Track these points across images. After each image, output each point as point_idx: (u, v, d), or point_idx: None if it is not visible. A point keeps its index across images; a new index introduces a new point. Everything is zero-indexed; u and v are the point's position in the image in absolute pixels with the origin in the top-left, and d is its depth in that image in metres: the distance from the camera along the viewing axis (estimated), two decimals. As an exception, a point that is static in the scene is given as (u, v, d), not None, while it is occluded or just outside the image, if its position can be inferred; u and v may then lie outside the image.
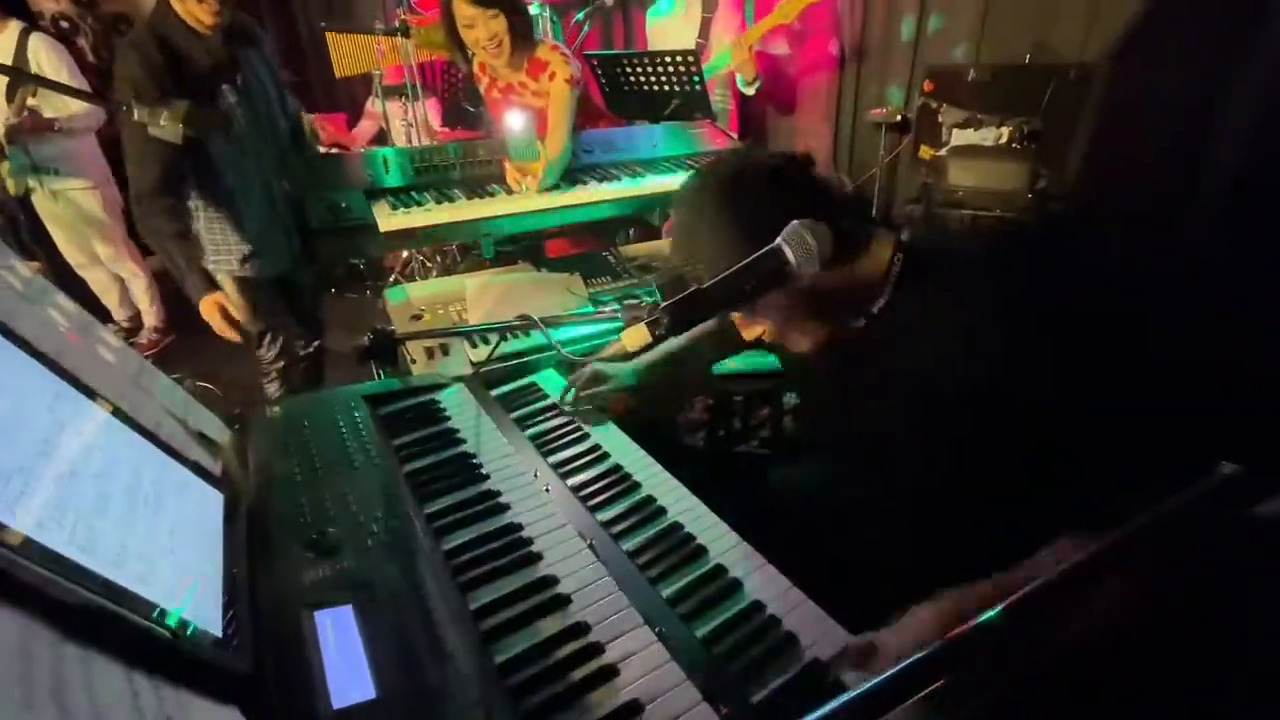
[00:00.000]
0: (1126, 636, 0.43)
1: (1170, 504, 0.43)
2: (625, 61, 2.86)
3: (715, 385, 2.03)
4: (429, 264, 3.76)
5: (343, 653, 0.64)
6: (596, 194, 1.82)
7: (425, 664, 0.64)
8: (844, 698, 0.36)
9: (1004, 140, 2.90)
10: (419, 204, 1.63)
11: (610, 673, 0.67)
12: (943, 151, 3.01)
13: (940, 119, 3.09)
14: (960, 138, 3.00)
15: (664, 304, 0.74)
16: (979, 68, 3.08)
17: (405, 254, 3.86)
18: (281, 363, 2.17)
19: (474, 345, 1.59)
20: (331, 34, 3.96)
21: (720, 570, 0.80)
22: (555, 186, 1.83)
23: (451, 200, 1.66)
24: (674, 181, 1.94)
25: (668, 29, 3.47)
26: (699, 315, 0.76)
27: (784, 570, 0.80)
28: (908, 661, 0.37)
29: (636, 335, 0.76)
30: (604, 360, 1.19)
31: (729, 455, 2.34)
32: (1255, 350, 1.46)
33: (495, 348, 1.27)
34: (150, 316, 3.92)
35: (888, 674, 0.37)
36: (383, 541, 0.78)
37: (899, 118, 3.46)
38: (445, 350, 1.58)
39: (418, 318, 1.72)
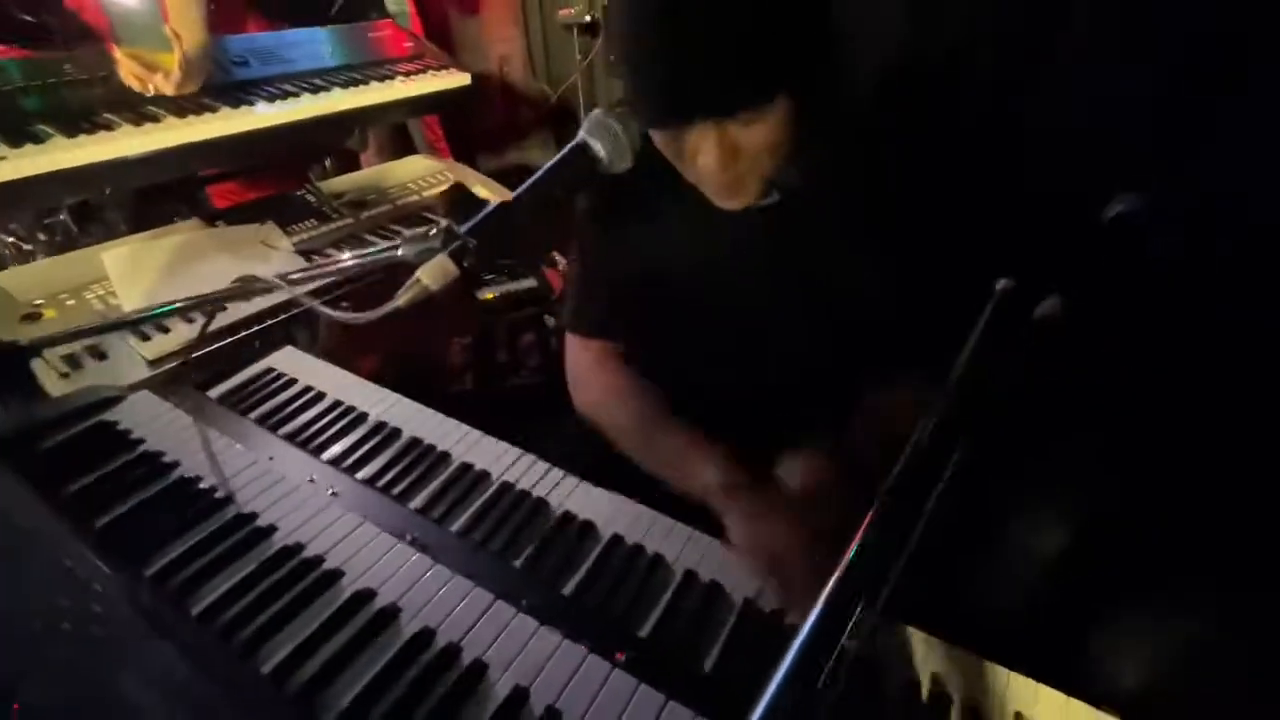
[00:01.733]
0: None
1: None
2: None
3: (474, 318, 1.87)
4: (24, 246, 2.71)
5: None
6: (268, 116, 1.43)
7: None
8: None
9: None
10: (-23, 150, 1.09)
11: (479, 670, 0.57)
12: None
13: (627, 17, 3.13)
14: (649, 36, 3.09)
15: (468, 226, 0.60)
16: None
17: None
18: None
19: (145, 338, 1.19)
20: None
21: (569, 516, 0.74)
22: (202, 103, 1.38)
23: (39, 140, 1.14)
24: (367, 95, 1.63)
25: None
26: (509, 232, 0.63)
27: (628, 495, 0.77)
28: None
29: (439, 270, 0.60)
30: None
31: (503, 391, 2.24)
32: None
33: (205, 327, 0.94)
34: None
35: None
36: (91, 643, 0.53)
37: (588, 18, 3.41)
38: (99, 353, 1.15)
39: (34, 317, 1.21)
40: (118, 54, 1.33)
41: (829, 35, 0.65)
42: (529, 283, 1.82)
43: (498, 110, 3.79)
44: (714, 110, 0.63)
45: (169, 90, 1.36)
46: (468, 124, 3.49)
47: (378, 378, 1.01)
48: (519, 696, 0.55)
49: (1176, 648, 0.71)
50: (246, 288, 0.82)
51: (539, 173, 0.64)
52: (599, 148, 0.64)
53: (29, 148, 1.12)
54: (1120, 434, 0.82)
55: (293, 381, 0.99)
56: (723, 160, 0.65)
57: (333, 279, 1.28)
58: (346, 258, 0.87)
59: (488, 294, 1.76)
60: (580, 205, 0.94)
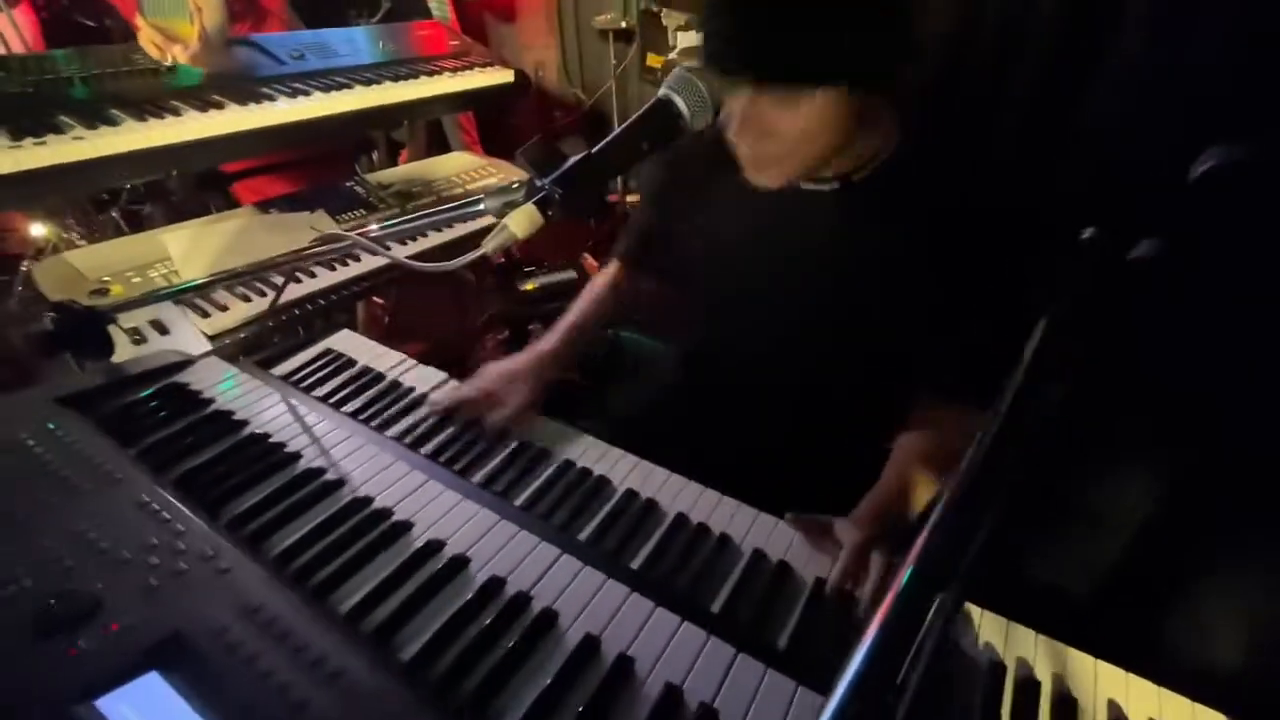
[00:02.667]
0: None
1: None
2: None
3: (511, 311, 1.89)
4: (66, 236, 2.80)
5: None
6: (323, 105, 1.48)
7: (311, 698, 0.47)
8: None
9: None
10: (54, 130, 1.14)
11: (550, 618, 0.57)
12: (672, 55, 3.11)
13: (665, 23, 3.16)
14: (685, 40, 3.11)
15: (553, 176, 0.61)
16: (689, -31, 3.18)
17: (42, 231, 2.81)
18: None
19: (204, 314, 1.23)
20: None
21: (632, 494, 0.74)
22: (261, 92, 1.43)
23: (114, 123, 1.19)
24: (415, 89, 1.67)
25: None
26: (594, 183, 0.64)
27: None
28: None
29: (525, 219, 0.62)
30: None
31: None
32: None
33: (276, 300, 0.96)
34: None
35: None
36: (172, 576, 0.55)
37: (623, 24, 3.45)
38: (163, 328, 1.19)
39: (102, 292, 1.25)
40: (140, 22, 1.39)
41: (899, 61, 0.68)
42: (569, 274, 1.84)
43: (532, 114, 3.85)
44: (746, 70, 0.65)
45: (184, 60, 1.42)
46: (503, 127, 3.55)
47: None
48: (590, 644, 0.55)
49: (1262, 626, 0.68)
50: (329, 245, 0.84)
51: (622, 126, 0.65)
52: (681, 103, 0.65)
53: (104, 129, 1.17)
54: (1198, 402, 0.80)
55: (352, 362, 1.01)
56: (742, 129, 0.68)
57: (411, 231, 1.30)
58: (428, 213, 0.89)
59: (529, 285, 1.79)
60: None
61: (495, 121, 3.67)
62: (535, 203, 0.62)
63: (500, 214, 0.64)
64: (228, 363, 0.90)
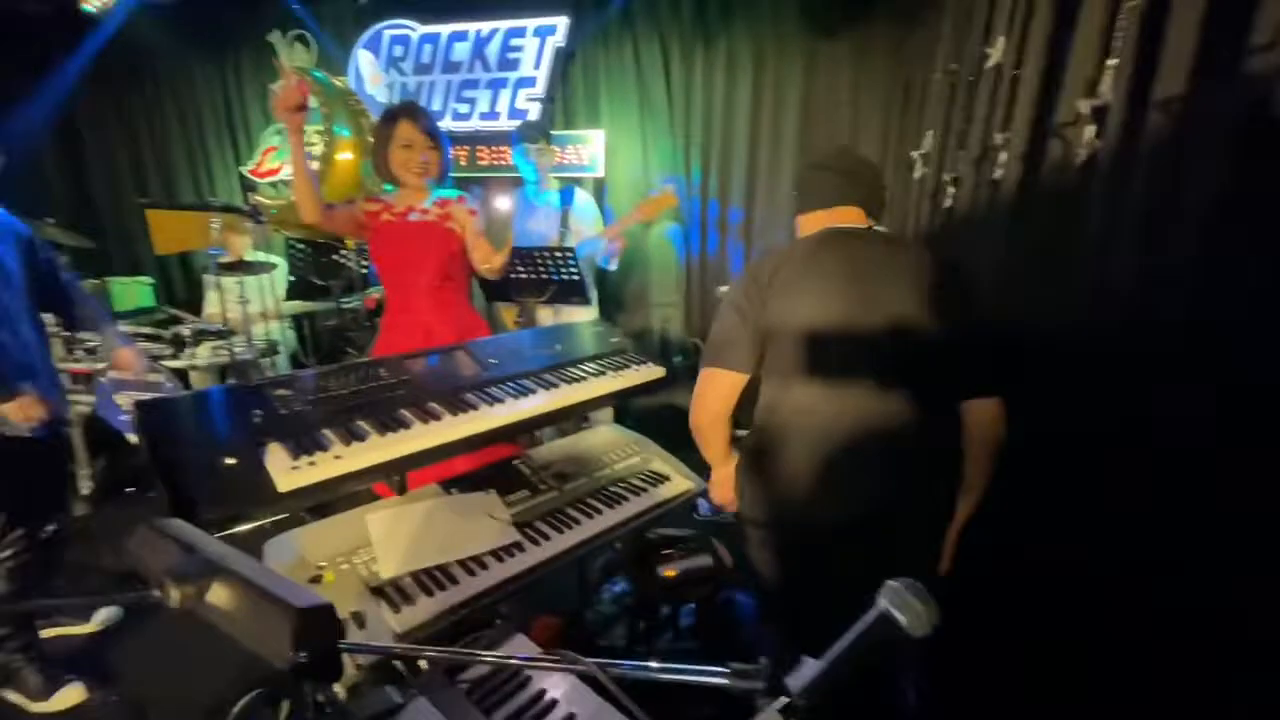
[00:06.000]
0: None
1: None
2: (515, 255, 3.02)
3: (647, 596, 1.94)
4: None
5: None
6: (519, 410, 1.75)
7: None
8: None
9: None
10: (320, 448, 1.43)
11: None
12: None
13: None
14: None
15: (798, 693, 0.66)
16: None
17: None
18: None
19: (395, 610, 1.37)
20: (152, 211, 3.58)
21: None
22: (465, 400, 1.74)
23: (362, 438, 1.48)
24: (588, 389, 1.94)
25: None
26: (833, 692, 0.68)
27: None
28: None
29: None
30: None
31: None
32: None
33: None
34: None
35: None
36: None
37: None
38: (361, 621, 1.34)
39: (316, 580, 1.45)
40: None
41: None
42: (705, 560, 1.91)
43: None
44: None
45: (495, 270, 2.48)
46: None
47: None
48: None
49: None
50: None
51: (845, 643, 0.67)
52: (901, 618, 0.71)
53: (355, 445, 1.45)
54: None
55: (527, 680, 1.09)
56: None
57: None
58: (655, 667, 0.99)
59: (668, 570, 1.85)
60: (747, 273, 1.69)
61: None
62: (779, 711, 0.65)
63: (740, 694, 0.68)
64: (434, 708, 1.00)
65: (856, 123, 4.27)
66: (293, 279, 4.49)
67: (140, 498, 3.91)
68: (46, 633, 2.70)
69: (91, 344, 4.00)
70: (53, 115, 5.56)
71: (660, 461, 2.15)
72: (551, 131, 4.01)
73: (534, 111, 4.86)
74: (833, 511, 1.59)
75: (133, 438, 3.93)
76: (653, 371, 2.13)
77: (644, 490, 1.97)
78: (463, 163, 5.04)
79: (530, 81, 4.83)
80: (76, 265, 2.79)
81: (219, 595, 0.60)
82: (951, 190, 2.61)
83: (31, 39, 5.26)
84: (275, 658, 0.55)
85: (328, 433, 1.48)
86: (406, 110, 2.46)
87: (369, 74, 5.18)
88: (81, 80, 5.45)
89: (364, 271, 4.60)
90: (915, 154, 3.23)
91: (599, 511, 1.84)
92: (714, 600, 2.04)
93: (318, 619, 0.56)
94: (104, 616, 2.83)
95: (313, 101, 4.79)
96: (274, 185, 5.51)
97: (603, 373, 2.03)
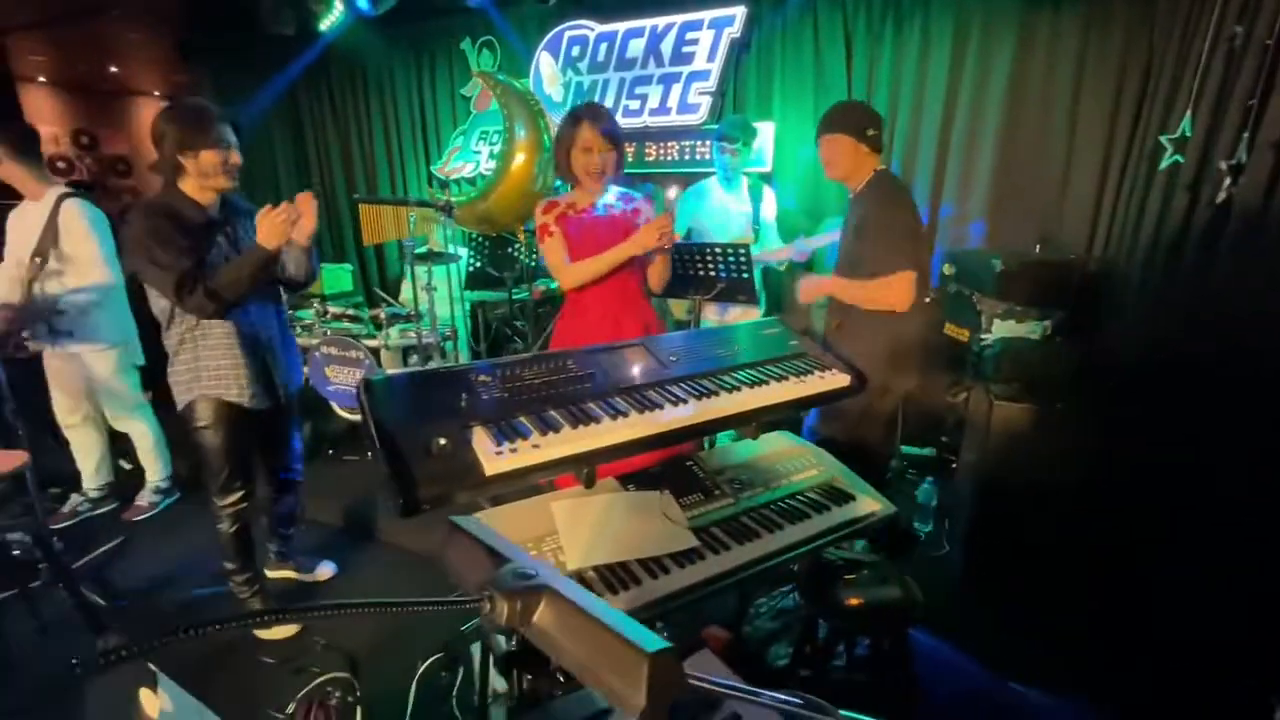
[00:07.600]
0: None
1: None
2: (688, 250, 2.99)
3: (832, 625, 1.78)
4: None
5: None
6: (703, 410, 1.67)
7: None
8: None
9: (1049, 332, 2.98)
10: (521, 435, 1.45)
11: None
12: (984, 338, 3.07)
13: (979, 307, 3.18)
14: (1001, 328, 3.07)
15: None
16: (1007, 258, 3.23)
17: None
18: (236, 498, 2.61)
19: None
20: (364, 205, 4.03)
21: None
22: (649, 399, 1.70)
23: (557, 429, 1.49)
24: (772, 393, 1.82)
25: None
26: None
27: None
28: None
29: None
30: None
31: (822, 675, 2.04)
32: None
33: None
34: (154, 473, 3.71)
35: None
36: None
37: (926, 300, 3.56)
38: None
39: (508, 564, 1.48)
40: None
41: None
42: (894, 591, 1.72)
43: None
44: None
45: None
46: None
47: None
48: None
49: None
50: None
51: None
52: None
53: (551, 435, 1.45)
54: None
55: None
56: None
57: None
58: None
59: (853, 599, 1.69)
60: None
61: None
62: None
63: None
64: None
65: (1075, 107, 3.69)
66: (471, 269, 4.83)
67: (339, 459, 4.43)
68: (272, 574, 3.12)
69: (308, 321, 4.58)
70: (283, 116, 6.50)
71: (843, 478, 1.97)
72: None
73: (704, 107, 4.80)
74: None
75: (336, 406, 4.45)
76: (837, 379, 1.96)
77: (827, 508, 1.81)
78: (629, 158, 5.12)
79: (704, 75, 4.77)
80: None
81: (550, 620, 0.57)
82: (1228, 182, 2.13)
83: (271, 54, 6.16)
84: (623, 705, 0.51)
85: (525, 420, 1.50)
86: (589, 113, 2.49)
87: (547, 75, 5.43)
88: (305, 84, 6.30)
89: (532, 265, 4.84)
90: (1165, 139, 2.70)
91: (779, 526, 1.72)
92: (900, 635, 1.83)
93: (665, 664, 0.51)
94: (327, 570, 3.23)
95: (493, 104, 5.12)
96: (456, 183, 5.99)
97: (784, 377, 1.90)
